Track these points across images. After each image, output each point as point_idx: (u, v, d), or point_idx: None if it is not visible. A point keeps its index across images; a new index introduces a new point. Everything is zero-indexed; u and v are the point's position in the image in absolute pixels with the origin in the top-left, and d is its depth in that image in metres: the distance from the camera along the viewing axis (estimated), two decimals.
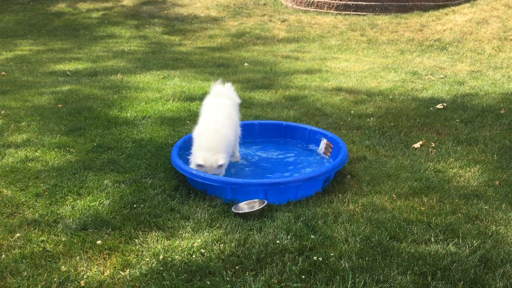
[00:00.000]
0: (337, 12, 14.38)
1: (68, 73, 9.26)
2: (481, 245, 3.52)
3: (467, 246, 3.50)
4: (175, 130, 5.88)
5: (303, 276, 3.17)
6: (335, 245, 3.51)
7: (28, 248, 3.52)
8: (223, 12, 15.23)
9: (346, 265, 3.27)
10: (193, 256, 3.40)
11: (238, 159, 5.08)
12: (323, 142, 5.19)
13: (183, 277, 3.17)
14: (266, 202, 3.97)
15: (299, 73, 9.19)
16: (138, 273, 3.23)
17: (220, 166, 4.34)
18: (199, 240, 3.57)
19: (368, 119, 6.36)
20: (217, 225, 3.79)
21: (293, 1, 15.32)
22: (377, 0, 13.89)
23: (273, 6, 15.56)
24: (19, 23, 15.29)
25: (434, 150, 5.34)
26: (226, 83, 5.14)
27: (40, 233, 3.71)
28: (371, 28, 13.02)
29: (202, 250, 3.46)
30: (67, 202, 4.18)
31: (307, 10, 14.89)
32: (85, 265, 3.33)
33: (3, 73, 9.16)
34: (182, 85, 8.07)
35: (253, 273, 3.22)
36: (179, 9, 15.80)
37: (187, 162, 4.66)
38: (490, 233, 3.69)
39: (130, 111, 6.62)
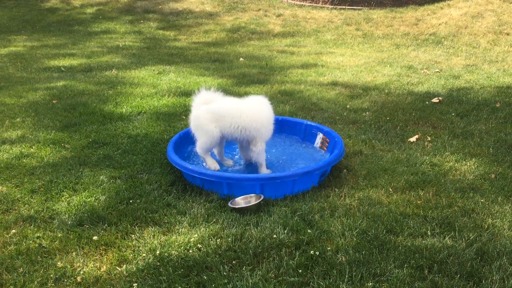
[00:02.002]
0: (332, 6, 14.36)
1: (62, 69, 9.22)
2: (477, 238, 3.53)
3: (463, 239, 3.51)
4: (171, 126, 5.86)
5: (300, 270, 3.17)
6: (331, 239, 3.51)
7: (24, 244, 3.51)
8: (218, 7, 15.18)
9: (343, 259, 3.27)
10: (190, 251, 3.39)
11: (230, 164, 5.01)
12: (319, 136, 5.19)
13: (180, 272, 3.17)
14: (262, 197, 3.96)
15: (294, 68, 9.18)
16: (134, 268, 3.22)
17: None
18: (196, 235, 3.57)
19: (364, 114, 6.36)
20: (214, 220, 3.78)
21: None
22: None
23: (268, 0, 15.53)
24: (13, 19, 15.20)
25: (430, 144, 5.35)
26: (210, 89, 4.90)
27: (35, 229, 3.70)
28: (367, 22, 13.01)
29: (198, 245, 3.45)
30: (62, 198, 4.17)
31: (302, 5, 14.86)
32: (81, 261, 3.32)
33: None
34: (177, 81, 8.05)
35: (250, 267, 3.22)
36: (174, 4, 15.74)
37: (183, 157, 4.67)
38: (486, 226, 3.70)
39: (125, 106, 6.59)
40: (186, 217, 3.82)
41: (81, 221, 3.78)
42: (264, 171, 4.64)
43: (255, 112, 4.55)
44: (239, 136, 4.53)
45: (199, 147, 4.64)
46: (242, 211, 3.88)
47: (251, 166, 4.87)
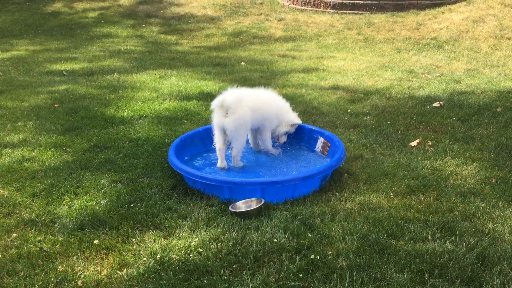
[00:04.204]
0: (333, 11, 14.38)
1: (64, 72, 9.24)
2: (478, 243, 3.52)
3: (464, 244, 3.51)
4: (172, 130, 5.87)
5: (301, 275, 3.17)
6: (332, 244, 3.51)
7: (25, 248, 3.51)
8: (220, 11, 15.22)
9: (344, 263, 3.27)
10: (191, 255, 3.40)
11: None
12: (320, 140, 5.19)
13: (180, 276, 3.17)
14: (263, 201, 3.97)
15: (296, 72, 9.19)
16: (135, 272, 3.22)
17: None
18: (197, 239, 3.57)
19: (365, 118, 6.37)
20: (215, 224, 3.79)
21: (290, 0, 15.31)
22: None
23: (270, 5, 15.56)
24: (15, 23, 15.25)
25: (431, 148, 5.35)
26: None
27: (37, 233, 3.71)
28: (368, 26, 13.03)
29: (199, 249, 3.45)
30: (64, 202, 4.18)
31: (303, 9, 14.89)
32: (82, 264, 3.32)
33: None
34: (179, 85, 8.07)
35: (250, 272, 3.22)
36: (175, 9, 15.78)
37: (184, 161, 4.68)
38: (487, 231, 3.70)
39: (126, 110, 6.61)
40: (187, 221, 3.82)
41: (82, 225, 3.78)
42: (274, 151, 5.20)
43: (273, 101, 5.08)
44: (257, 126, 5.00)
45: (240, 149, 4.77)
46: (243, 215, 3.88)
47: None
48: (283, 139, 5.19)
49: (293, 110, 6.55)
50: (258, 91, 5.08)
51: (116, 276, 3.21)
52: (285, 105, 5.15)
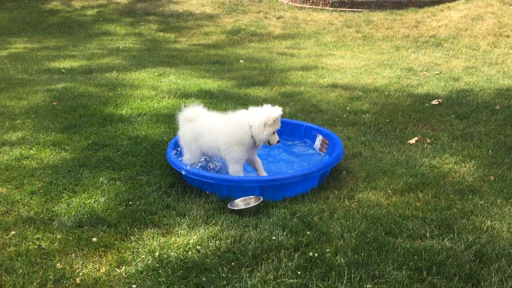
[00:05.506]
0: (332, 8, 14.38)
1: (63, 70, 9.23)
2: (476, 240, 3.53)
3: (462, 241, 3.51)
4: (171, 127, 5.87)
5: (299, 272, 3.17)
6: (330, 241, 3.52)
7: (24, 245, 3.51)
8: (219, 9, 15.21)
9: (342, 260, 3.28)
10: (189, 252, 3.40)
11: None
12: (319, 138, 5.19)
13: (179, 273, 3.17)
14: (261, 199, 3.97)
15: (294, 70, 9.19)
16: (133, 270, 3.22)
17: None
18: (195, 237, 3.57)
19: (363, 115, 6.37)
20: (213, 221, 3.79)
21: None
22: None
23: (269, 3, 15.55)
24: (13, 20, 15.22)
25: (430, 146, 5.35)
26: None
27: (35, 230, 3.70)
28: (367, 24, 13.02)
29: (198, 246, 3.45)
30: (62, 199, 4.17)
31: (302, 7, 14.88)
32: (80, 262, 3.32)
33: None
34: (177, 82, 8.06)
35: (249, 269, 3.22)
36: (174, 6, 15.76)
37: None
38: (485, 228, 3.70)
39: (125, 108, 6.60)
40: (185, 219, 3.82)
41: (80, 223, 3.78)
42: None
43: None
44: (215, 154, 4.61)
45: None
46: (241, 212, 3.88)
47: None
48: (273, 140, 4.43)
49: (291, 107, 6.59)
50: (216, 117, 4.60)
51: (114, 273, 3.21)
52: (247, 121, 4.34)
